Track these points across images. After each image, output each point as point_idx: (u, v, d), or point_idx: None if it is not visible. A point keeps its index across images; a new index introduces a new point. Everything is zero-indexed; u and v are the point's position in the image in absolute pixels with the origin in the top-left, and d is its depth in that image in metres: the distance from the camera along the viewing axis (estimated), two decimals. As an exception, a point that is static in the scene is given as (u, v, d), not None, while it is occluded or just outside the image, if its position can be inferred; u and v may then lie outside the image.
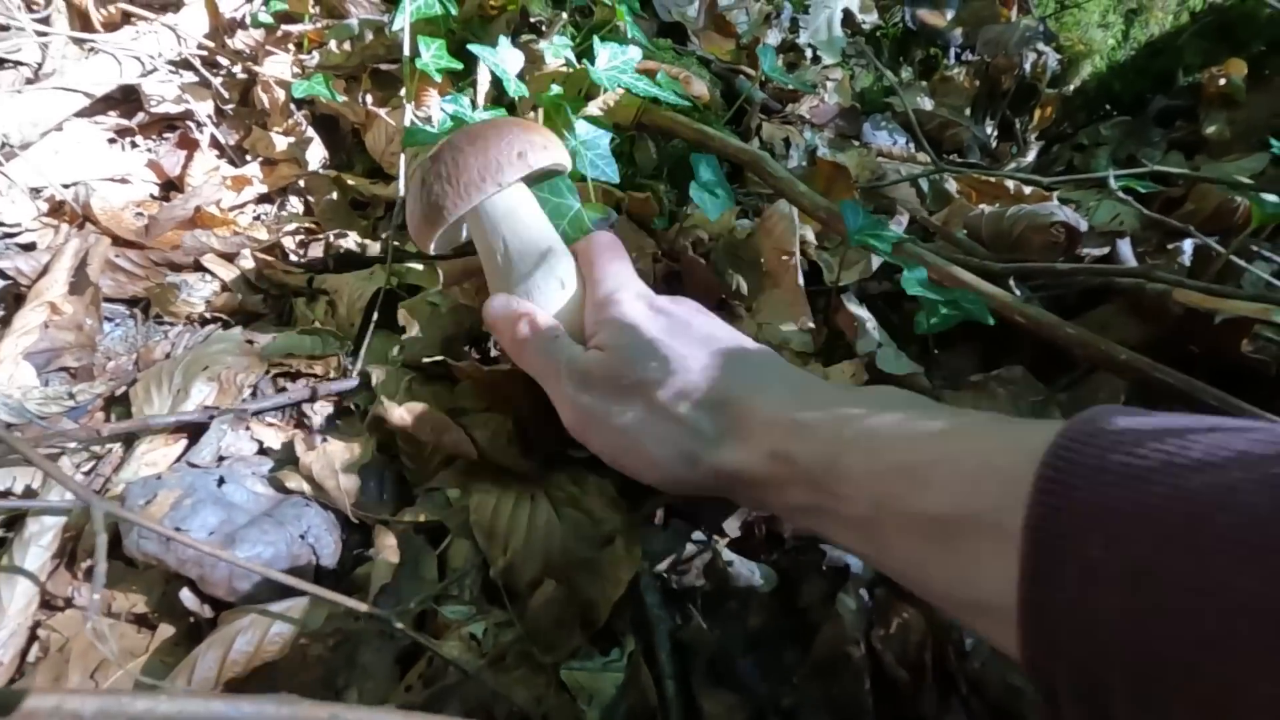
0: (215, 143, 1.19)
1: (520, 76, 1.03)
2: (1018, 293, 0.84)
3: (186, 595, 0.66)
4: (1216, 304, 0.73)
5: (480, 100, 1.10)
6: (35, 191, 1.03)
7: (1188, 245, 1.02)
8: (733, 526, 0.77)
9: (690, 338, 0.64)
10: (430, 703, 0.63)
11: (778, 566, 0.76)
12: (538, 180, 0.82)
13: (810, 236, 1.03)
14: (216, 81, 1.20)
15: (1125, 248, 0.88)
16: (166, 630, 0.67)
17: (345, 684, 0.67)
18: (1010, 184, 1.03)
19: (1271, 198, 0.77)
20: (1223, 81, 1.33)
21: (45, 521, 0.67)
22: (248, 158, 1.21)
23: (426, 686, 0.65)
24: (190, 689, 0.60)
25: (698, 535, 0.77)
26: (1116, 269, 0.82)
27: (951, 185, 1.10)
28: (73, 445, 0.79)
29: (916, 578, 0.47)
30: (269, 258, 1.05)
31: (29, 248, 1.00)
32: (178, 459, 0.80)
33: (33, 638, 0.65)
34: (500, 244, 0.72)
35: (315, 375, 0.92)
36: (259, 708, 0.37)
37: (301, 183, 1.19)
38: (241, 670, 0.62)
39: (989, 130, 1.41)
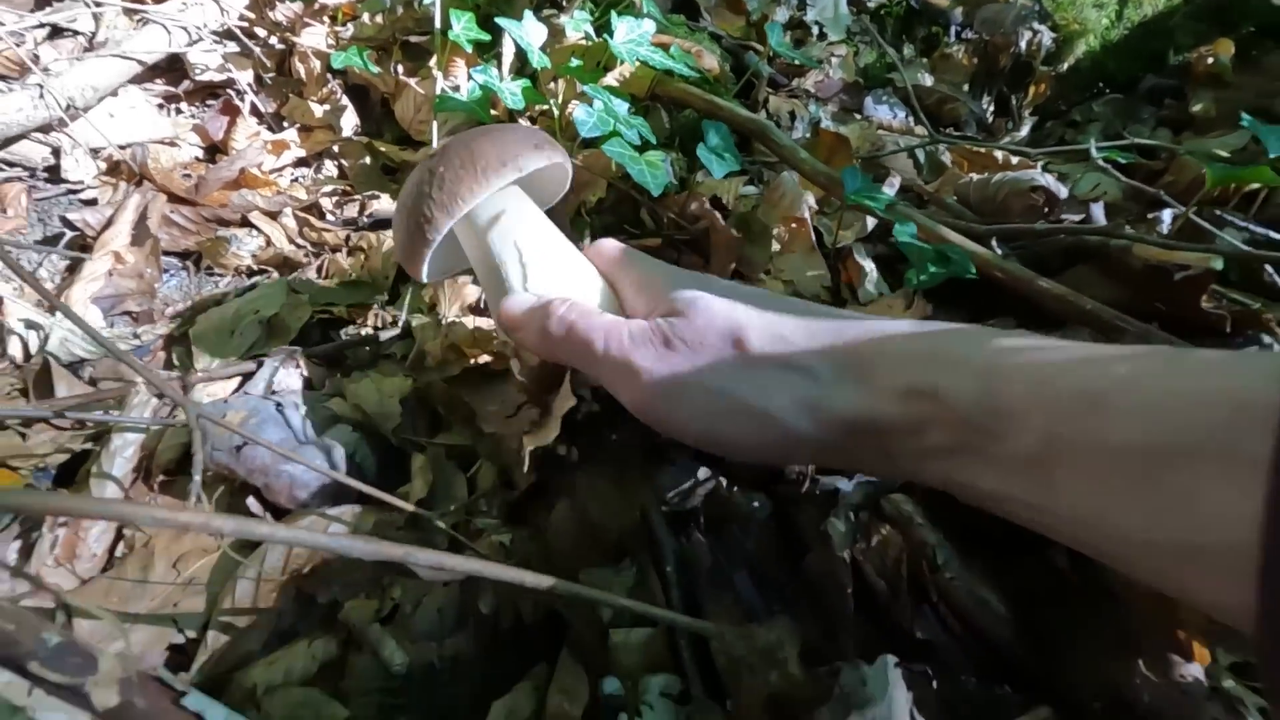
0: (255, 110, 1.27)
1: (543, 49, 1.10)
2: (999, 251, 0.91)
3: (252, 502, 0.75)
4: (1167, 255, 0.80)
5: (505, 71, 1.17)
6: (94, 152, 1.11)
7: (1167, 215, 1.09)
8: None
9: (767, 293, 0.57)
10: (465, 593, 0.72)
11: (775, 496, 0.85)
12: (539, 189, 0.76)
13: (811, 202, 1.10)
14: (257, 51, 1.28)
15: (1098, 210, 0.95)
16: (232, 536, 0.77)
17: (389, 583, 0.76)
18: (999, 155, 1.10)
19: (1223, 162, 0.84)
20: (1211, 61, 1.39)
21: (128, 437, 0.76)
22: (285, 124, 1.29)
23: (461, 585, 0.74)
24: (259, 579, 0.70)
25: (703, 471, 0.86)
26: (1085, 228, 0.89)
27: (946, 156, 1.17)
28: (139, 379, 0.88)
29: (1096, 522, 0.40)
30: (308, 216, 1.13)
31: (91, 203, 1.08)
32: (234, 392, 0.89)
33: (119, 536, 0.74)
34: (510, 250, 0.66)
35: (354, 322, 1.01)
36: (351, 542, 0.45)
37: (336, 148, 1.27)
38: (302, 564, 0.72)
39: (985, 106, 1.47)
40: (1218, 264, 0.79)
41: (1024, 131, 1.47)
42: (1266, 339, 0.89)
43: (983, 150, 1.12)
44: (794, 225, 1.06)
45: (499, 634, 0.74)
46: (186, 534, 0.74)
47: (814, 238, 1.05)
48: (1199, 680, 0.65)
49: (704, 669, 0.72)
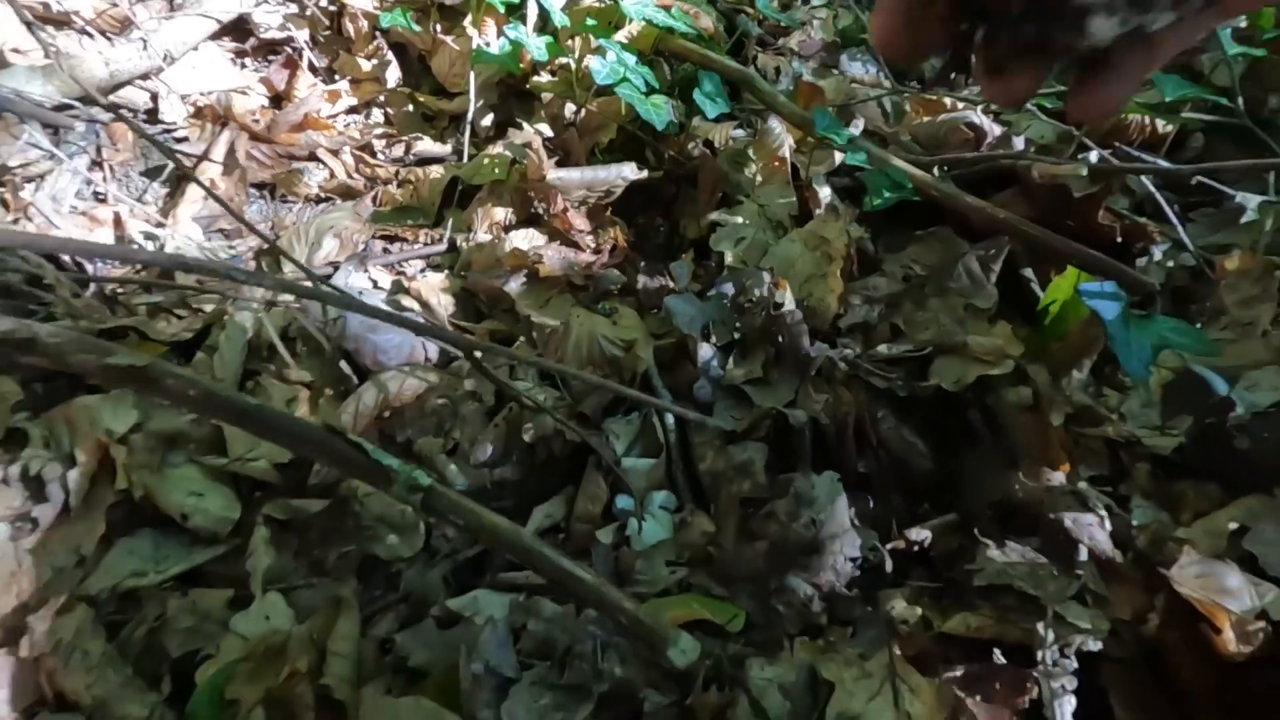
0: (311, 65, 1.47)
1: (563, 9, 1.29)
2: (937, 174, 1.11)
3: (344, 365, 0.97)
4: (1054, 170, 1.01)
5: (530, 29, 1.37)
6: (183, 98, 1.31)
7: (1093, 155, 1.29)
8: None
9: None
10: (510, 430, 0.94)
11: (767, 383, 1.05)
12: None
13: (791, 144, 1.30)
14: (313, 11, 1.47)
15: (1019, 141, 1.15)
16: (328, 392, 0.98)
17: (450, 427, 0.98)
18: (949, 102, 1.30)
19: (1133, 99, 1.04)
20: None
21: (239, 318, 0.98)
22: (336, 77, 1.48)
23: (507, 426, 0.96)
24: (356, 415, 0.91)
25: (705, 351, 1.06)
26: (1001, 153, 1.10)
27: (907, 105, 1.36)
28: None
29: None
30: (363, 154, 1.33)
31: (182, 140, 1.29)
32: (316, 290, 1.10)
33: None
34: None
35: (407, 240, 1.22)
36: (415, 319, 0.66)
37: (382, 98, 1.46)
38: (384, 410, 0.93)
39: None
40: (1082, 171, 1.00)
41: (978, 87, 1.66)
42: (1154, 249, 1.10)
43: (935, 98, 1.31)
44: (775, 163, 1.26)
45: (536, 463, 0.96)
46: (295, 378, 0.96)
47: (790, 173, 1.26)
48: (1062, 484, 0.86)
49: (693, 488, 0.94)
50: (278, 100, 1.43)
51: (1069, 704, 0.70)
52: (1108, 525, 0.82)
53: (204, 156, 1.22)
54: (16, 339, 0.63)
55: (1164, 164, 1.20)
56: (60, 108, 1.19)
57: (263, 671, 0.74)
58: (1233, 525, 0.79)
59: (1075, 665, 0.72)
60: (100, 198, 1.17)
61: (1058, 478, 0.87)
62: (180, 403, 0.70)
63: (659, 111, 1.12)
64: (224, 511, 0.82)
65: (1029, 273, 1.11)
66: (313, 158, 1.30)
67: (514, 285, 1.09)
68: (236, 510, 0.83)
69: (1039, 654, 0.74)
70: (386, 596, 0.85)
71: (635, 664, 0.75)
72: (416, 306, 1.06)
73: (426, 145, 1.38)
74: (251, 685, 0.72)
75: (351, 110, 1.45)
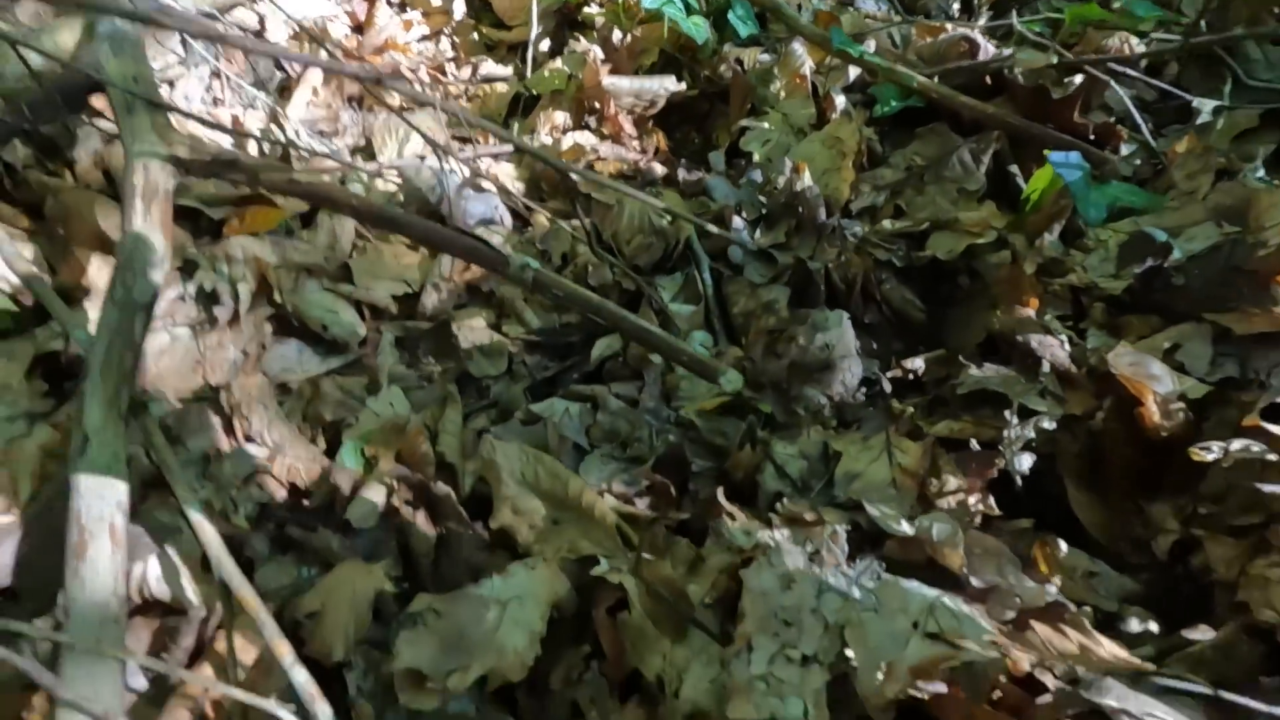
0: (386, -1, 1.66)
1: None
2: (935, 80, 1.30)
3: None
4: (1032, 64, 1.19)
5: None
6: (284, 21, 1.51)
7: (1078, 79, 1.46)
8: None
9: None
10: (576, 280, 1.13)
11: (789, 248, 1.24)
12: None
13: (811, 64, 1.48)
14: (388, -48, 1.66)
15: (1007, 51, 1.33)
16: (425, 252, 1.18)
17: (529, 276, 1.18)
18: (950, 27, 1.47)
19: (1075, 7, 1.22)
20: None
21: (354, 186, 1.18)
22: (408, 10, 1.68)
23: (574, 279, 1.15)
24: (452, 265, 1.11)
25: (738, 222, 1.24)
26: (990, 59, 1.28)
27: (913, 32, 1.54)
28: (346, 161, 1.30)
29: None
30: (437, 73, 1.53)
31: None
32: (406, 178, 1.30)
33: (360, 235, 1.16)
34: None
35: (480, 141, 1.42)
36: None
37: (449, 29, 1.66)
38: (469, 269, 1.13)
39: (951, 2, 1.83)
40: (1053, 59, 1.18)
41: (982, 21, 1.83)
42: (1122, 146, 1.28)
43: (938, 26, 1.49)
44: (798, 80, 1.45)
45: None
46: (400, 244, 1.16)
47: (810, 89, 1.44)
48: (1031, 318, 1.05)
49: (727, 331, 1.14)
50: (359, 28, 1.63)
51: (1026, 460, 0.89)
52: (1067, 347, 1.01)
53: (305, 68, 1.42)
54: (224, 159, 0.83)
55: (1132, 72, 1.37)
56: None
57: (391, 439, 0.94)
58: (1166, 345, 0.97)
59: (1033, 435, 0.91)
60: (220, 102, 1.38)
61: (1028, 314, 1.06)
62: (343, 210, 0.90)
63: (699, 28, 1.31)
64: (353, 326, 1.02)
65: (1015, 169, 1.29)
66: (395, 74, 1.49)
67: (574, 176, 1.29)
68: (363, 327, 1.03)
69: (1005, 432, 0.93)
70: (480, 402, 1.05)
71: (684, 442, 0.95)
72: (493, 188, 1.26)
73: (490, 67, 1.58)
74: (385, 447, 0.93)
75: (424, 38, 1.65)
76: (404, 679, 0.69)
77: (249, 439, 0.88)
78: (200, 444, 0.85)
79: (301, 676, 0.56)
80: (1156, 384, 0.89)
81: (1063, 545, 0.77)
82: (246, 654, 0.68)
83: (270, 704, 0.55)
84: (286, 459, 0.87)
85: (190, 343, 0.97)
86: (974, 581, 0.66)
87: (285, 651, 0.58)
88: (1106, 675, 0.57)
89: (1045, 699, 0.57)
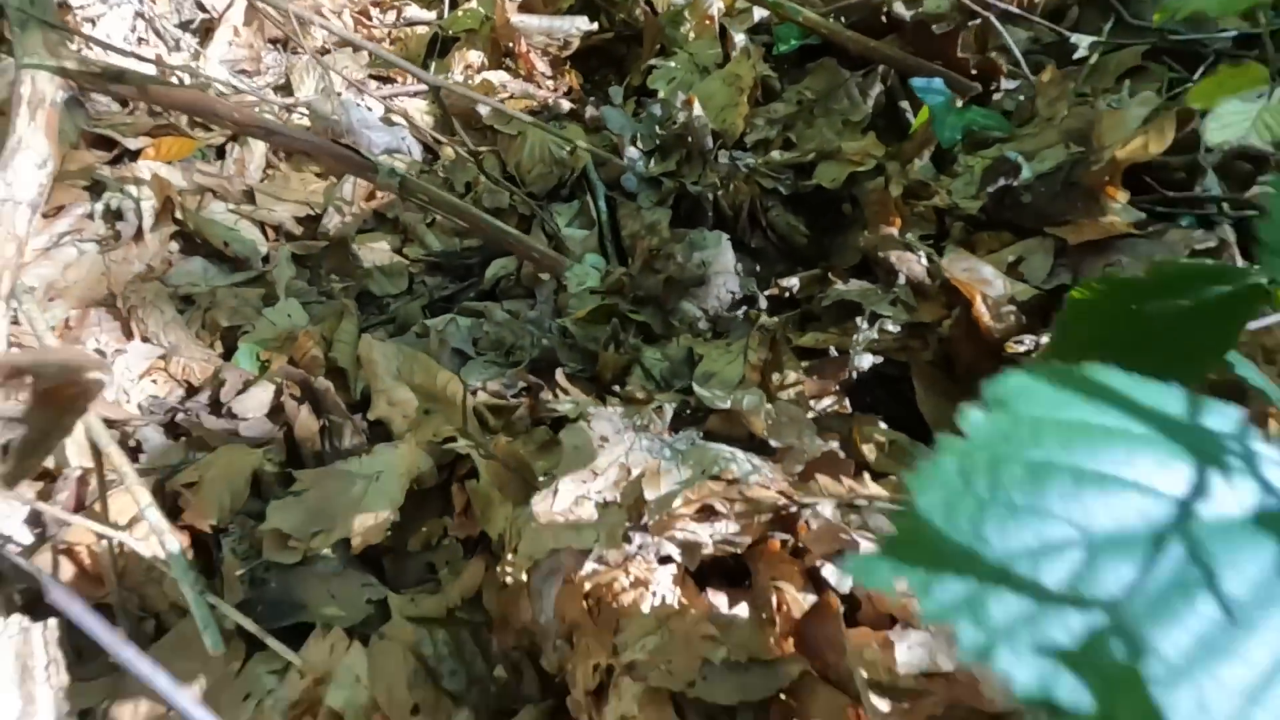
0: (315, -56, 1.70)
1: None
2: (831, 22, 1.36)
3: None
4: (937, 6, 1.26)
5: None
6: (208, -35, 1.55)
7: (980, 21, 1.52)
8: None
9: None
10: (475, 204, 1.20)
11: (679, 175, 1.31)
12: None
13: (720, 5, 1.54)
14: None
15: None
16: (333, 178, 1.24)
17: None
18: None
19: None
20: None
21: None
22: (337, -43, 1.72)
23: (474, 204, 1.22)
24: (354, 189, 1.17)
25: (632, 152, 1.31)
26: None
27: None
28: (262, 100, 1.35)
29: None
30: (361, 16, 1.58)
31: None
32: (322, 113, 1.35)
33: (269, 164, 1.22)
34: None
35: (396, 80, 1.47)
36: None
37: (375, -26, 1.70)
38: (373, 193, 1.19)
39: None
40: (944, 5, 1.24)
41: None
42: (1004, 82, 1.34)
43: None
44: (706, 21, 1.51)
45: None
46: (309, 172, 1.22)
47: (718, 32, 1.50)
48: (894, 235, 1.12)
49: (619, 255, 1.20)
50: (287, -26, 1.67)
51: (867, 360, 0.97)
52: (924, 262, 1.08)
53: (228, 6, 1.47)
54: (112, 73, 0.89)
55: (1033, 17, 1.43)
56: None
57: (286, 345, 1.01)
58: (1011, 258, 1.05)
59: (875, 337, 0.99)
60: (143, 40, 1.42)
61: (892, 233, 1.13)
62: (226, 124, 0.96)
63: (606, -32, 1.36)
64: (255, 243, 1.09)
65: (906, 104, 1.36)
66: (319, 15, 1.54)
67: (483, 109, 1.35)
68: (265, 245, 1.10)
69: (855, 336, 1.00)
70: (379, 317, 1.12)
71: (560, 347, 1.02)
72: (402, 121, 1.31)
73: (414, 11, 1.62)
74: (279, 352, 1.00)
75: (349, -16, 1.69)
76: (270, 539, 0.77)
77: (145, 340, 0.95)
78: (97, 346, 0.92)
79: (155, 516, 0.63)
80: (987, 288, 0.97)
81: (881, 424, 0.85)
82: (122, 517, 0.75)
83: (126, 536, 0.62)
84: (181, 359, 0.94)
85: (97, 257, 1.03)
86: (773, 443, 0.74)
87: (144, 498, 0.65)
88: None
89: (815, 530, 0.65)
